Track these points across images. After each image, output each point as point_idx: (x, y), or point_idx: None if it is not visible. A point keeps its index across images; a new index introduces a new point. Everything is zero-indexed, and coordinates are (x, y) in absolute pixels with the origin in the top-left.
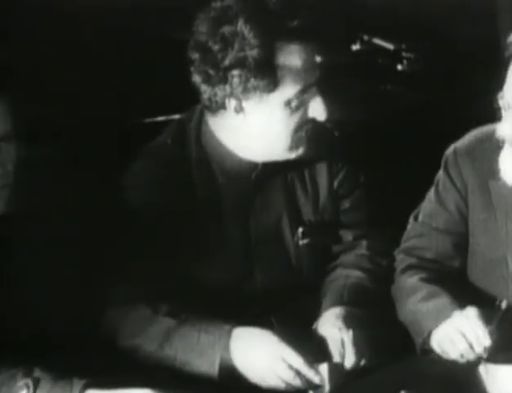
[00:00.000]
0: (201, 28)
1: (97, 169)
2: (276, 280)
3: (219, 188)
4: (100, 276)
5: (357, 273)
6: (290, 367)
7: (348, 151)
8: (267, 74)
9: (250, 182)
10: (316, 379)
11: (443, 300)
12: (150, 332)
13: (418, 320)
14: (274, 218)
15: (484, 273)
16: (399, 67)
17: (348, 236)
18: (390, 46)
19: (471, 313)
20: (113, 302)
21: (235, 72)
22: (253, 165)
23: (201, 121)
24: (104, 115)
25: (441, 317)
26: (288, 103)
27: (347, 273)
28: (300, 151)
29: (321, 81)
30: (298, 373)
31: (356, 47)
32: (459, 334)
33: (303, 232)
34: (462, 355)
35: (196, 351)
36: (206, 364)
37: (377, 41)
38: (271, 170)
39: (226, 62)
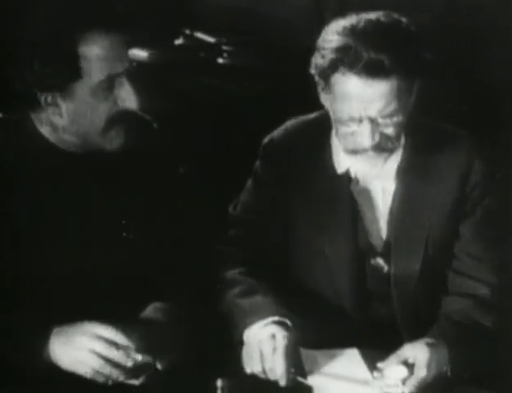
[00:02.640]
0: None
1: None
2: None
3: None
4: None
5: None
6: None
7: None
8: (69, 64)
9: None
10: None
11: (259, 298)
12: None
13: (234, 315)
14: None
15: (305, 266)
16: (220, 60)
17: None
18: (211, 39)
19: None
20: None
21: (39, 64)
22: None
23: (23, 119)
24: None
25: (254, 315)
26: (95, 92)
27: None
28: (118, 142)
29: (132, 71)
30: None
31: (179, 41)
32: (258, 352)
33: None
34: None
35: None
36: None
37: (199, 35)
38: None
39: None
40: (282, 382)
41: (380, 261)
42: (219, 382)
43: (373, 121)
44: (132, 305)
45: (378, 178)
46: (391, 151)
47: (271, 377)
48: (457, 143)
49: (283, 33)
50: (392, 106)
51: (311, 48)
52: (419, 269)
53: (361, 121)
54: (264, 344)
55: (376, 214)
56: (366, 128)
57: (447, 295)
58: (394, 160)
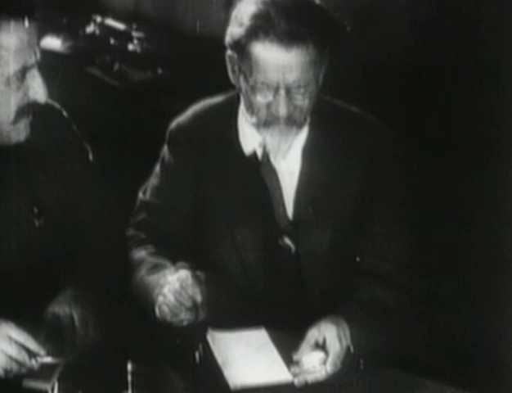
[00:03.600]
0: None
1: None
2: None
3: None
4: None
5: None
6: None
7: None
8: None
9: None
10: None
11: (167, 271)
12: None
13: (144, 292)
14: None
15: (216, 248)
16: (131, 47)
17: None
18: (122, 26)
19: (182, 274)
20: None
21: None
22: None
23: None
24: None
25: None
26: (8, 82)
27: None
28: (26, 134)
29: (43, 61)
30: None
31: (90, 29)
32: (172, 295)
33: None
34: (182, 320)
35: None
36: None
37: (110, 22)
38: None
39: None
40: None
41: (288, 241)
42: (130, 366)
43: (289, 91)
44: (45, 294)
45: (284, 158)
46: (299, 127)
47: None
48: (364, 125)
49: (194, 19)
50: (308, 76)
51: (221, 35)
52: (327, 249)
53: (277, 90)
54: (174, 283)
55: (283, 195)
56: (282, 97)
57: (356, 274)
58: (300, 140)
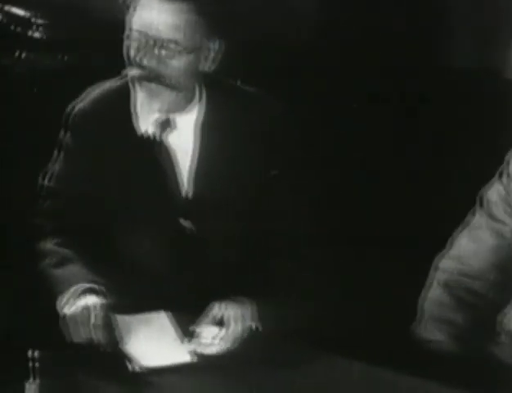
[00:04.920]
0: None
1: None
2: None
3: None
4: None
5: None
6: None
7: None
8: None
9: None
10: None
11: (70, 267)
12: None
13: (47, 285)
14: None
15: (120, 230)
16: (36, 35)
17: None
18: (25, 13)
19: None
20: None
21: None
22: None
23: None
24: None
25: (65, 284)
26: None
27: None
28: None
29: None
30: None
31: None
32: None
33: None
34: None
35: None
36: None
37: (13, 9)
38: None
39: None
40: (101, 350)
41: (185, 222)
42: (30, 353)
43: (160, 44)
44: None
45: (178, 137)
46: (178, 91)
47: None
48: (259, 103)
49: (102, 4)
50: (181, 35)
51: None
52: (227, 228)
53: (147, 41)
54: (80, 316)
55: (178, 174)
56: (149, 47)
57: (260, 251)
58: (192, 116)
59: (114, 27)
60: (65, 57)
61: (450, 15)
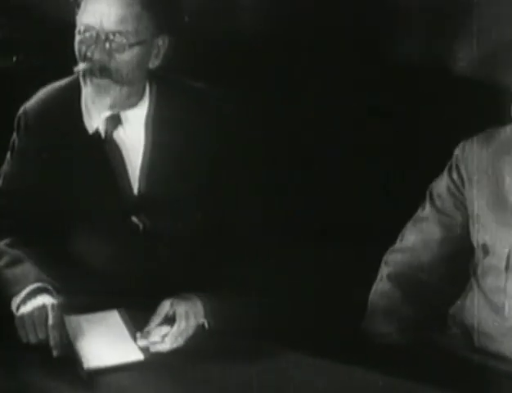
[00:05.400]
0: None
1: None
2: None
3: None
4: None
5: None
6: None
7: None
8: None
9: None
10: None
11: (21, 267)
12: None
13: (3, 285)
14: None
15: (70, 227)
16: None
17: None
18: None
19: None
20: None
21: None
22: None
23: None
24: None
25: (17, 285)
26: None
27: None
28: None
29: None
30: None
31: None
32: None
33: None
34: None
35: None
36: None
37: None
38: None
39: None
40: (55, 353)
41: (137, 219)
42: None
43: (107, 37)
44: None
45: (128, 133)
46: (125, 86)
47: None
48: (207, 99)
49: (54, 5)
50: (128, 27)
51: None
52: (176, 225)
53: (97, 34)
54: (38, 316)
55: (128, 171)
56: (100, 41)
57: (211, 248)
58: (141, 113)
59: (66, 26)
60: (15, 58)
61: (395, 11)
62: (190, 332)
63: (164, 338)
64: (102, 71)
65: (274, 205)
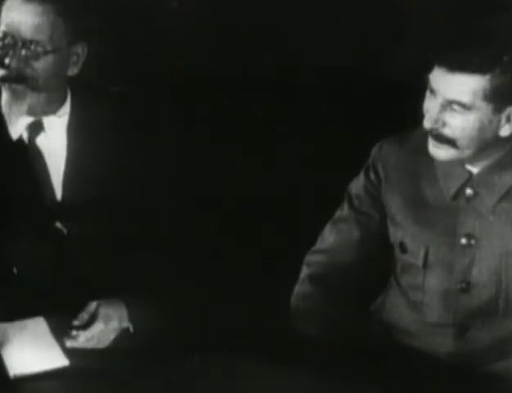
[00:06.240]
0: None
1: None
2: None
3: None
4: None
5: None
6: None
7: None
8: None
9: None
10: None
11: None
12: None
13: None
14: None
15: (4, 238)
16: None
17: None
18: None
19: None
20: None
21: None
22: None
23: None
24: None
25: None
26: None
27: None
28: None
29: None
30: None
31: None
32: None
33: None
34: None
35: None
36: None
37: None
38: None
39: None
40: None
41: (59, 225)
42: None
43: (24, 44)
44: None
45: (50, 140)
46: (43, 92)
47: None
48: (124, 103)
49: None
50: (42, 36)
51: None
52: (99, 231)
53: (15, 42)
54: None
55: (51, 177)
56: (17, 47)
57: (133, 253)
58: (62, 119)
59: None
60: None
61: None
62: (113, 335)
63: (87, 342)
64: (19, 78)
65: (195, 205)
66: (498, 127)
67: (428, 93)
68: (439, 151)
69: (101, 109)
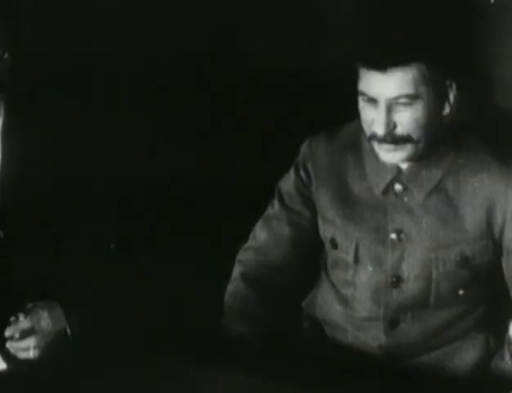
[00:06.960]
0: None
1: None
2: None
3: None
4: None
5: None
6: None
7: None
8: None
9: None
10: None
11: None
12: None
13: None
14: None
15: None
16: None
17: None
18: None
19: None
20: None
21: None
22: None
23: None
24: None
25: None
26: None
27: None
28: None
29: None
30: None
31: None
32: None
33: None
34: None
35: None
36: None
37: None
38: None
39: None
40: None
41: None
42: None
43: None
44: None
45: None
46: None
47: None
48: (56, 107)
49: None
50: None
51: None
52: (36, 234)
53: None
54: None
55: None
56: None
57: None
58: None
59: None
60: None
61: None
62: (49, 338)
63: (25, 345)
64: None
65: (129, 205)
66: (442, 108)
67: (363, 105)
68: (395, 155)
69: (26, 111)
